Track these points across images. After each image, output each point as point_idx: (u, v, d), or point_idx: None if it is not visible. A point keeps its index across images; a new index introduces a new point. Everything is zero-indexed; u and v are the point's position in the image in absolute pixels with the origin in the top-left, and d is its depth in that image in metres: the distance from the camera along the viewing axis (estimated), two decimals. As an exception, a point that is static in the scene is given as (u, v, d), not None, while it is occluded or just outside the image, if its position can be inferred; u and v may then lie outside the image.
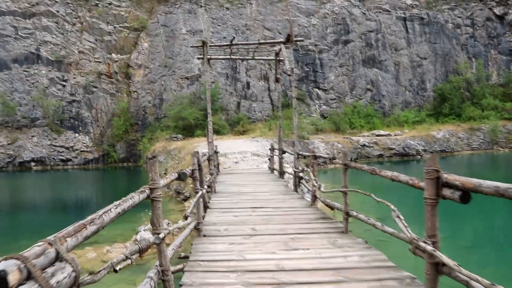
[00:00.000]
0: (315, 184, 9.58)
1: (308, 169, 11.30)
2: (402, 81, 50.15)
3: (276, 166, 17.52)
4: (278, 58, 15.99)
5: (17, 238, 15.93)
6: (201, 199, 8.58)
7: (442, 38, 51.27)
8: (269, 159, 19.13)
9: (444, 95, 48.41)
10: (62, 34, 47.24)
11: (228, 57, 16.34)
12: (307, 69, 48.16)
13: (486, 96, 48.67)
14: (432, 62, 50.76)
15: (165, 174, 28.06)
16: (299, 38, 18.05)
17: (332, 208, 8.67)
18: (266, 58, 19.19)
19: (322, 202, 9.63)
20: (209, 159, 12.57)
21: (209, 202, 10.87)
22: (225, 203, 10.79)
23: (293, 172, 13.19)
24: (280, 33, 47.69)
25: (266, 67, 47.38)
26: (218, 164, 19.03)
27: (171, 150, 32.58)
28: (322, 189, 9.53)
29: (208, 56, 14.62)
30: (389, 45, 50.16)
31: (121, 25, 48.42)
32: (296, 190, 12.63)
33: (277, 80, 15.67)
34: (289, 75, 12.53)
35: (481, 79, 50.29)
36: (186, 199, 21.08)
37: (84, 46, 47.43)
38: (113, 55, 47.81)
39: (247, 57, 16.91)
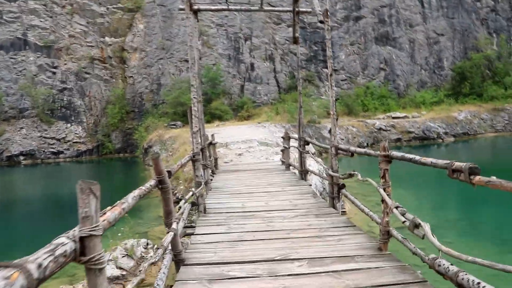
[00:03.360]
0: (392, 210, 4.66)
1: (356, 173, 6.37)
2: (418, 60, 44.80)
3: (293, 161, 12.55)
4: (296, 8, 10.65)
5: (8, 242, 13.67)
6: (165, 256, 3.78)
7: (460, 12, 45.71)
8: (282, 151, 14.13)
9: (464, 74, 43.12)
10: (51, 17, 42.08)
11: (223, 7, 10.81)
12: (316, 48, 42.92)
13: (510, 74, 43.27)
14: (449, 38, 45.31)
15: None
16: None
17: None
18: (280, 9, 13.86)
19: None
20: (193, 160, 7.55)
21: (188, 240, 6.01)
22: (217, 245, 5.70)
23: (325, 175, 8.23)
24: (285, 10, 42.29)
25: (271, 47, 42.15)
26: (216, 159, 14.02)
27: (167, 140, 27.66)
28: (400, 216, 4.54)
29: (196, 7, 9.54)
30: (404, 21, 44.71)
31: (114, 6, 43.23)
32: (334, 206, 7.62)
33: (295, 41, 10.55)
34: (321, 22, 7.43)
35: (504, 55, 44.85)
36: (178, 201, 16.21)
37: (75, 30, 42.29)
38: (107, 38, 42.68)
39: (252, 8, 11.54)
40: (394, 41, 44.31)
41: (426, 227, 3.88)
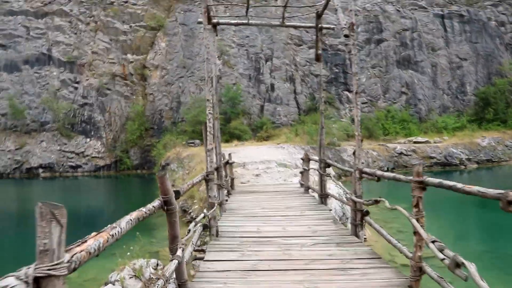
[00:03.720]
0: (427, 244, 4.09)
1: (382, 199, 5.82)
2: (440, 84, 43.95)
3: (312, 184, 11.96)
4: (319, 24, 10.13)
5: (21, 257, 12.53)
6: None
7: (484, 37, 44.91)
8: (301, 173, 13.57)
9: (487, 99, 42.08)
10: (75, 34, 42.63)
11: (243, 22, 10.35)
12: (337, 70, 42.46)
13: (535, 100, 42.15)
14: (473, 63, 44.43)
15: (173, 186, 22.83)
16: None
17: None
18: (302, 25, 13.42)
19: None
20: (207, 179, 7.02)
21: (198, 263, 5.52)
22: (229, 275, 5.17)
23: (345, 199, 7.64)
24: (307, 32, 42.07)
25: (292, 68, 41.84)
26: (232, 179, 13.50)
27: (184, 158, 27.27)
28: (438, 252, 3.94)
29: (215, 20, 9.15)
30: (426, 44, 44.10)
31: (137, 24, 43.52)
32: (356, 234, 7.02)
33: (317, 59, 10.04)
34: (347, 36, 6.89)
35: (528, 81, 43.74)
36: (191, 220, 15.77)
37: (98, 46, 42.68)
38: (129, 55, 42.93)
39: (273, 23, 11.10)
40: (416, 65, 43.63)
41: (472, 268, 3.30)
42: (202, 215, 6.22)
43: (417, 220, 4.53)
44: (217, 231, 7.04)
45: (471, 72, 44.36)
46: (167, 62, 42.19)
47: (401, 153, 35.07)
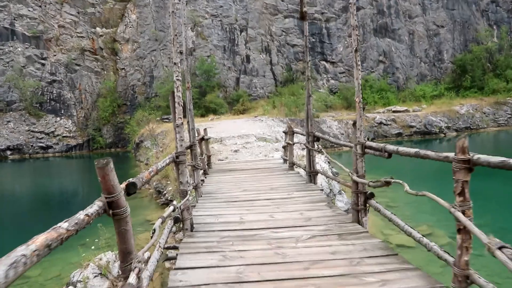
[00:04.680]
0: (490, 250, 2.74)
1: (397, 181, 4.54)
2: (417, 52, 42.94)
3: (296, 158, 10.67)
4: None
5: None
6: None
7: (460, 4, 43.82)
8: (284, 147, 12.26)
9: (465, 67, 41.33)
10: (40, 6, 39.82)
11: None
12: (313, 39, 40.87)
13: (511, 67, 41.47)
14: (449, 30, 43.43)
15: (147, 164, 21.30)
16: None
17: None
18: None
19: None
20: (176, 161, 5.55)
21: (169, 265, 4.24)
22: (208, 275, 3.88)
23: (330, 174, 6.39)
24: (282, 1, 40.31)
25: (268, 38, 40.13)
26: (209, 157, 12.07)
27: (158, 134, 25.70)
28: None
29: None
30: (403, 12, 42.81)
31: (105, -5, 41.01)
32: (359, 221, 5.75)
33: (302, 17, 8.56)
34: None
35: (504, 48, 43.02)
36: (167, 203, 14.41)
37: (64, 20, 40.07)
38: (98, 29, 40.52)
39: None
40: (393, 33, 42.41)
41: None
42: (171, 208, 4.83)
43: (463, 212, 3.24)
44: (191, 225, 5.67)
45: (448, 40, 43.40)
46: (138, 35, 40.00)
47: (380, 123, 34.11)
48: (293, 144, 10.77)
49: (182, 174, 5.53)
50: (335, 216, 6.30)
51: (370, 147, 5.60)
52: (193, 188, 7.97)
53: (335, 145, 25.09)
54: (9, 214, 17.63)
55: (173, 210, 4.89)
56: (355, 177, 5.80)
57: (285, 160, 12.12)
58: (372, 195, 5.79)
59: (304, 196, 7.66)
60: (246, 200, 7.55)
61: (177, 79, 5.50)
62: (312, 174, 8.82)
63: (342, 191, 12.84)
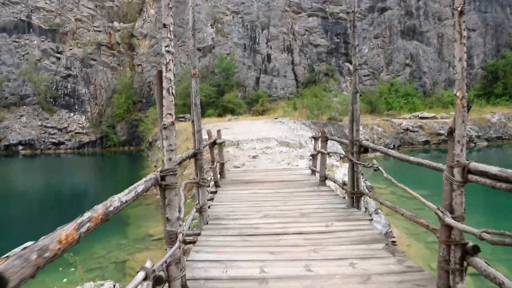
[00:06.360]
0: None
1: None
2: (446, 56, 40.21)
3: (328, 170, 8.41)
4: None
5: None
6: None
7: (494, 6, 40.94)
8: (312, 156, 9.99)
9: (496, 73, 38.54)
10: (57, -1, 38.21)
11: None
12: (337, 40, 38.53)
13: (546, 74, 38.54)
14: (481, 34, 40.60)
15: (155, 167, 19.26)
16: None
17: None
18: None
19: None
20: (161, 185, 3.31)
21: None
22: None
23: (426, 223, 4.13)
24: (306, -2, 38.04)
25: (290, 37, 37.86)
26: (222, 164, 9.82)
27: (171, 134, 23.53)
28: None
29: None
30: (432, 14, 40.10)
31: (124, -11, 39.21)
32: (449, 286, 3.44)
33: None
34: None
35: (540, 54, 40.05)
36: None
37: (82, 13, 38.43)
38: (115, 23, 38.74)
39: None
40: (421, 36, 39.74)
41: None
42: (141, 275, 2.63)
43: None
44: (183, 286, 3.46)
45: (479, 44, 40.56)
46: (156, 31, 38.04)
47: (407, 129, 31.58)
48: (328, 154, 8.48)
49: (169, 206, 3.33)
50: (407, 273, 4.01)
51: (483, 174, 3.31)
52: (197, 211, 5.75)
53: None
54: (18, 211, 16.55)
55: (144, 279, 2.67)
56: (449, 220, 3.52)
57: (313, 171, 9.85)
58: (476, 250, 3.51)
59: (349, 230, 5.37)
60: (268, 233, 5.29)
61: (167, 51, 3.30)
62: (356, 196, 6.52)
63: (379, 210, 10.56)
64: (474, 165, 3.47)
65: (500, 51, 40.23)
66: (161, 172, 3.35)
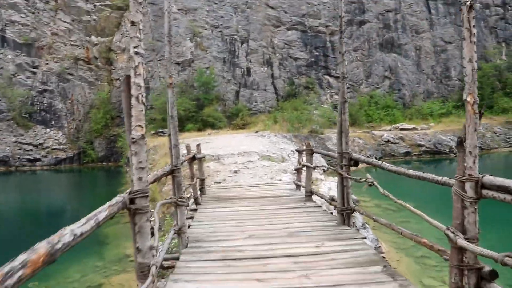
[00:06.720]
0: None
1: None
2: (424, 68, 40.49)
3: (319, 188, 7.97)
4: None
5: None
6: None
7: (469, 19, 41.42)
8: (297, 170, 9.54)
9: (473, 84, 38.74)
10: (33, 13, 37.37)
11: None
12: (317, 53, 38.48)
13: (521, 85, 39.15)
14: (457, 46, 40.99)
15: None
16: None
17: None
18: None
19: None
20: (130, 209, 2.79)
21: None
22: None
23: (429, 243, 3.71)
24: (285, 12, 37.99)
25: (270, 51, 37.66)
26: (203, 180, 9.29)
27: (151, 149, 22.96)
28: None
29: None
30: (410, 27, 40.45)
31: (102, 3, 38.63)
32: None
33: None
34: None
35: (513, 66, 40.70)
36: (152, 233, 11.52)
37: (58, 27, 37.57)
38: (93, 37, 38.02)
39: None
40: (400, 48, 40.02)
41: None
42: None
43: None
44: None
45: (456, 56, 40.97)
46: (134, 45, 37.40)
47: (388, 141, 31.52)
48: (314, 168, 8.04)
49: (140, 234, 2.83)
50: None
51: (501, 189, 2.90)
52: (175, 233, 5.22)
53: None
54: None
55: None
56: (462, 241, 3.09)
57: (297, 186, 9.40)
58: (494, 275, 3.09)
59: (342, 251, 4.91)
60: (254, 257, 4.79)
61: (136, 53, 2.82)
62: (346, 213, 6.07)
63: (367, 224, 10.14)
64: (489, 178, 3.07)
65: (476, 63, 40.61)
66: (130, 194, 2.85)
